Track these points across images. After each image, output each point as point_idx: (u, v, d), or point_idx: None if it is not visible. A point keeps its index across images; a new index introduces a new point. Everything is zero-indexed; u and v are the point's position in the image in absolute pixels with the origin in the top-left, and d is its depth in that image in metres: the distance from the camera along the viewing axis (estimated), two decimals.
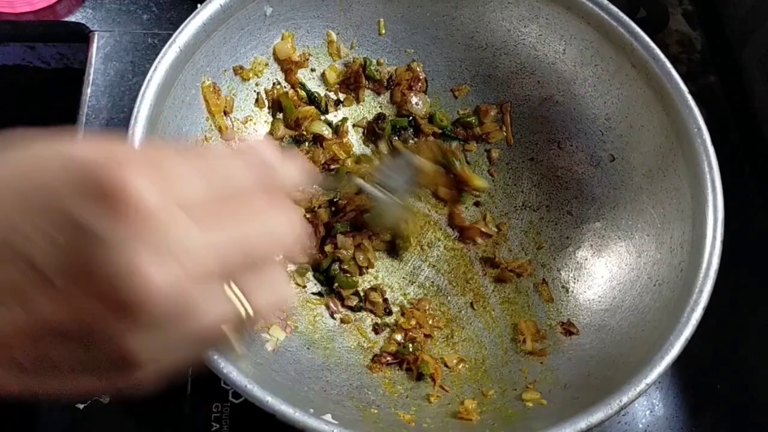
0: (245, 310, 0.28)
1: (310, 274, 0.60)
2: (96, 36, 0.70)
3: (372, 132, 0.66)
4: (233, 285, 0.28)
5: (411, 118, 0.66)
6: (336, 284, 0.60)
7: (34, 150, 0.27)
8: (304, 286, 0.59)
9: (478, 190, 0.65)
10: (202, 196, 0.28)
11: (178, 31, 0.52)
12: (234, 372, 0.43)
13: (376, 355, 0.57)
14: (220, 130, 0.58)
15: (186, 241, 0.26)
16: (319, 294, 0.60)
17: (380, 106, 0.67)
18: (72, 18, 0.71)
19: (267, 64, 0.62)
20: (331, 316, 0.59)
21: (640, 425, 0.60)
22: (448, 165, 0.62)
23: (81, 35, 0.71)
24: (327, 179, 0.63)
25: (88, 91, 0.67)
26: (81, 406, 0.54)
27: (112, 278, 0.25)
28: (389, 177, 0.59)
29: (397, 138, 0.66)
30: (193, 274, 0.26)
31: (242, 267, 0.28)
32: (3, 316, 0.26)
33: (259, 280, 0.29)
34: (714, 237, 0.52)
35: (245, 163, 0.30)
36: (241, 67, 0.60)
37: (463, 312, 0.61)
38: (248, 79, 0.61)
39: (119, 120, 0.67)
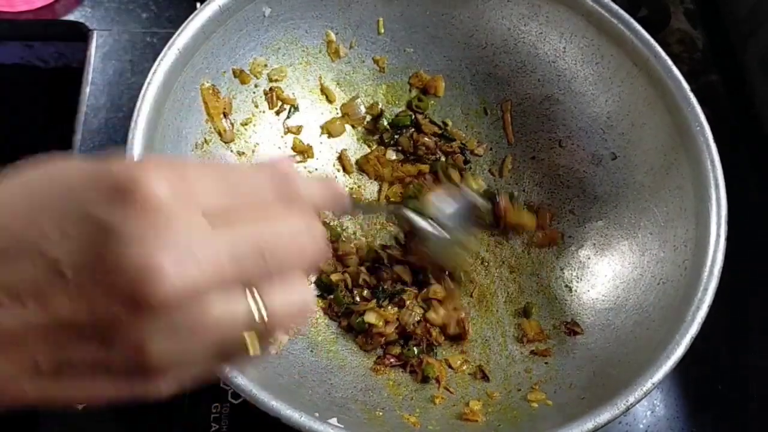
0: (262, 315, 0.28)
1: (311, 277, 0.60)
2: (95, 35, 0.70)
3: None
4: (254, 291, 0.28)
5: (413, 116, 0.66)
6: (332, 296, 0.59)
7: (51, 163, 0.28)
8: None
9: (524, 228, 0.62)
10: (219, 200, 0.28)
11: (176, 33, 0.52)
12: (239, 376, 0.42)
13: (379, 357, 0.56)
14: (219, 132, 0.57)
15: (200, 238, 0.26)
16: (321, 296, 0.59)
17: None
18: (71, 17, 0.71)
19: (266, 65, 0.61)
20: (332, 318, 0.58)
21: (641, 426, 0.60)
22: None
23: (80, 34, 0.71)
24: (360, 206, 0.58)
25: (87, 90, 0.67)
26: (80, 407, 0.54)
27: (126, 272, 0.25)
28: (442, 212, 0.54)
29: (398, 136, 0.66)
30: (207, 271, 0.26)
31: (260, 270, 0.28)
32: (20, 314, 0.25)
33: (278, 286, 0.29)
34: (718, 235, 0.52)
35: (265, 174, 0.30)
36: (241, 69, 0.59)
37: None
38: (247, 81, 0.60)
39: (118, 119, 0.67)
